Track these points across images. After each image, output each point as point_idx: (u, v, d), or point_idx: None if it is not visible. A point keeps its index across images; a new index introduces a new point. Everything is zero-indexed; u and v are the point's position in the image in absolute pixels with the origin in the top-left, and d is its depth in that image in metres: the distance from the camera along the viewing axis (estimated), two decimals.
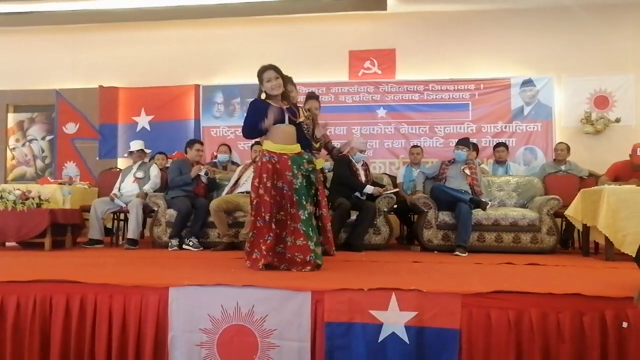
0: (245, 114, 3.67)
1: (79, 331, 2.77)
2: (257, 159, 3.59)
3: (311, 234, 3.48)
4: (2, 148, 8.31)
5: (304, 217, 3.48)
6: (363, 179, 5.82)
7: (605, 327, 2.47)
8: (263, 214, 3.51)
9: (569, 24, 7.33)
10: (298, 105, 3.91)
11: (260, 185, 3.53)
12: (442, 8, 7.50)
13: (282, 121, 3.57)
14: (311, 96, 5.00)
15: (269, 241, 3.49)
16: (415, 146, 6.89)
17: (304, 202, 3.51)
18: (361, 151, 5.90)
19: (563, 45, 7.34)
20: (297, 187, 3.51)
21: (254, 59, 7.68)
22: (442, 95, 7.53)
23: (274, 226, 3.50)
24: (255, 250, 3.58)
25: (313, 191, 3.71)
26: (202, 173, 5.94)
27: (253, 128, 3.61)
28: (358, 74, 7.76)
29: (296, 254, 3.46)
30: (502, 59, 7.47)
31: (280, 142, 3.57)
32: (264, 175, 3.51)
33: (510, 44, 7.47)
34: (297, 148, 3.63)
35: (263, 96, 3.61)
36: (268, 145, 3.58)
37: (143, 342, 2.73)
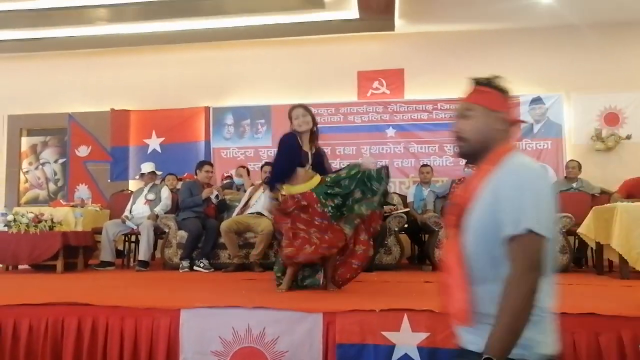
0: (277, 153, 3.79)
1: (90, 353, 2.77)
2: (281, 203, 3.68)
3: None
4: (16, 171, 8.40)
5: (348, 230, 3.59)
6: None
7: (622, 348, 2.43)
8: (305, 227, 3.55)
9: (577, 42, 7.34)
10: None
11: (287, 220, 3.61)
12: (450, 28, 7.55)
13: (304, 165, 3.67)
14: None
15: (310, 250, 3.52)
16: (425, 165, 6.88)
17: (347, 220, 3.59)
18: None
19: (571, 62, 7.34)
20: (331, 214, 3.54)
21: (264, 80, 7.92)
22: (451, 114, 7.51)
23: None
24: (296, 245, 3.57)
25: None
26: (212, 196, 5.97)
27: (287, 171, 3.68)
28: (367, 94, 7.80)
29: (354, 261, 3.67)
30: (510, 77, 7.25)
31: (301, 183, 3.64)
32: (292, 207, 3.57)
33: (518, 63, 7.47)
34: (315, 181, 3.67)
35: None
36: (289, 189, 3.64)
37: None
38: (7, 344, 2.81)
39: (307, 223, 3.54)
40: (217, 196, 6.00)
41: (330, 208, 3.54)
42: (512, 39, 7.50)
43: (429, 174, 6.73)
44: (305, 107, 3.73)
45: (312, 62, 7.73)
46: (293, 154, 3.65)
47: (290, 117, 3.73)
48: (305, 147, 3.70)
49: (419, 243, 6.63)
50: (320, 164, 3.78)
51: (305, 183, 3.65)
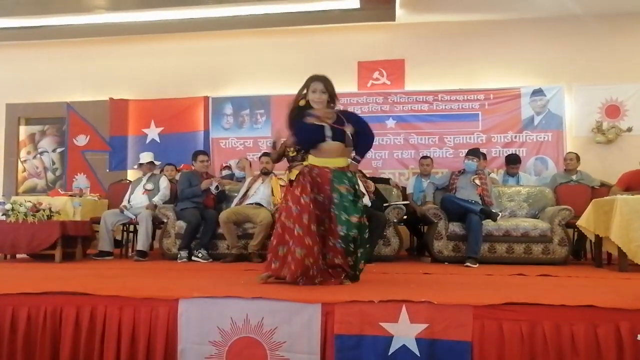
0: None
1: (88, 343, 2.77)
2: (299, 175, 3.44)
3: (351, 249, 3.40)
4: (14, 160, 8.38)
5: (343, 233, 3.35)
6: (363, 189, 5.81)
7: (620, 340, 2.43)
8: (306, 222, 3.31)
9: (579, 33, 7.31)
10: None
11: (303, 195, 3.36)
12: (451, 18, 7.51)
13: (323, 139, 3.42)
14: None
15: (300, 255, 3.27)
16: (425, 157, 6.87)
17: (344, 218, 3.35)
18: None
19: (573, 54, 7.31)
20: (336, 202, 3.37)
21: (263, 70, 7.89)
22: (451, 106, 7.51)
23: (318, 239, 3.35)
24: (280, 259, 3.42)
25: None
26: (212, 187, 5.96)
27: (308, 141, 3.49)
28: (367, 84, 7.77)
29: (332, 270, 3.42)
30: (511, 69, 7.45)
31: (323, 156, 3.43)
32: (308, 185, 3.37)
33: (519, 54, 7.45)
34: (340, 162, 3.45)
35: (302, 103, 3.47)
36: (311, 159, 3.47)
37: (152, 355, 2.71)
38: (5, 333, 2.81)
39: (297, 217, 3.32)
40: (216, 187, 6.00)
41: (338, 195, 3.37)
42: (513, 29, 7.47)
43: (429, 166, 6.73)
44: (325, 82, 3.44)
45: (312, 52, 7.69)
46: (304, 129, 3.43)
47: (307, 86, 3.46)
48: (322, 119, 3.43)
49: (418, 234, 6.63)
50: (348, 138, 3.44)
51: (328, 158, 3.42)
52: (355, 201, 3.41)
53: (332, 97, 3.49)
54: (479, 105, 7.46)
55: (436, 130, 7.51)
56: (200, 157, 6.20)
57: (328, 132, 3.42)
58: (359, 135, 3.53)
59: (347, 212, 3.36)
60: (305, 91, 3.48)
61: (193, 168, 6.26)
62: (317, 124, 3.43)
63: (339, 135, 3.44)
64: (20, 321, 2.82)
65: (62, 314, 2.82)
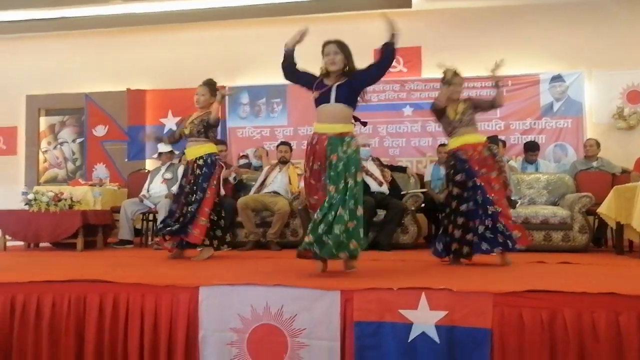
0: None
1: (112, 330, 2.82)
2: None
3: (317, 225, 3.15)
4: (35, 151, 8.50)
5: (325, 205, 3.18)
6: (378, 175, 5.81)
7: None
8: (308, 197, 3.40)
9: (599, 17, 7.16)
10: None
11: (306, 169, 3.39)
12: (468, 4, 7.41)
13: (327, 101, 3.34)
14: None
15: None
16: (443, 144, 6.81)
17: (331, 187, 3.21)
18: (363, 146, 5.93)
19: (593, 39, 7.17)
20: (338, 170, 3.22)
21: (279, 59, 7.79)
22: (469, 93, 7.39)
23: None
24: None
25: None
26: (231, 178, 6.01)
27: (288, 71, 3.55)
28: None
29: None
30: (530, 55, 7.33)
31: (322, 121, 3.37)
32: (310, 158, 3.34)
33: (538, 39, 7.33)
34: (339, 128, 3.32)
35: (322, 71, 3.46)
36: (314, 126, 3.42)
37: (174, 341, 2.76)
38: (30, 320, 2.88)
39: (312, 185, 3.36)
40: (234, 177, 6.04)
41: (333, 164, 3.23)
42: (531, 14, 7.34)
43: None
44: (337, 42, 3.42)
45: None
46: (305, 81, 3.47)
47: (322, 53, 3.48)
48: (330, 80, 3.38)
49: (436, 222, 6.60)
50: (348, 95, 3.39)
51: (327, 124, 3.34)
52: (341, 172, 3.22)
53: (348, 57, 3.43)
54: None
55: None
56: (219, 147, 6.21)
57: (332, 93, 3.35)
58: (364, 74, 3.49)
59: (331, 181, 3.22)
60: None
61: None
62: (325, 83, 3.37)
63: (341, 96, 3.35)
64: (45, 309, 2.88)
65: (86, 301, 2.87)
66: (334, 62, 3.37)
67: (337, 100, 3.33)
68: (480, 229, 3.87)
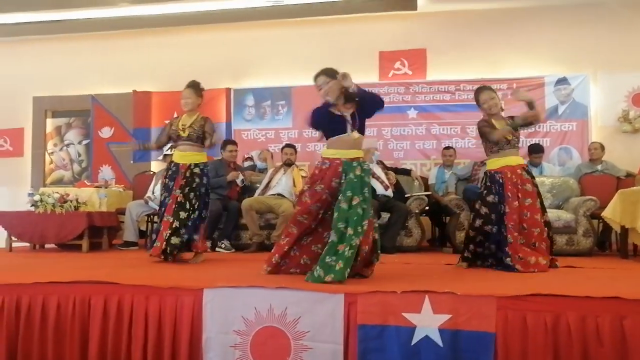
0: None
1: (116, 331, 2.84)
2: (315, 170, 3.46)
3: (334, 249, 3.12)
4: (41, 152, 8.54)
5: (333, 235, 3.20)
6: (384, 179, 5.83)
7: None
8: (298, 217, 3.38)
9: (605, 20, 7.14)
10: None
11: (308, 187, 3.41)
12: (473, 6, 7.41)
13: (342, 131, 3.33)
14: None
15: (285, 247, 3.41)
16: (448, 148, 6.82)
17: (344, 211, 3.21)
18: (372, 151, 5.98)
19: (598, 41, 7.15)
20: (346, 195, 3.23)
21: (285, 61, 7.90)
22: (473, 96, 7.42)
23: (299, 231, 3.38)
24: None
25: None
26: (238, 180, 6.02)
27: (329, 130, 3.42)
28: (388, 74, 7.72)
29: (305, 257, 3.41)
30: (535, 57, 7.32)
31: (337, 148, 3.35)
32: (317, 180, 3.36)
33: (543, 42, 7.32)
34: (353, 154, 3.34)
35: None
36: (325, 152, 3.41)
37: (178, 343, 2.77)
38: (36, 321, 2.90)
39: (309, 211, 3.33)
40: (242, 180, 6.05)
41: (345, 187, 3.23)
42: (536, 17, 7.33)
43: (452, 156, 6.68)
44: (325, 72, 3.37)
45: (333, 42, 7.66)
46: (322, 124, 3.41)
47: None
48: (342, 109, 3.35)
49: (440, 225, 6.60)
50: (361, 123, 3.40)
51: (342, 150, 3.32)
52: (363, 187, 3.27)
53: (339, 80, 3.30)
54: (501, 94, 7.31)
55: (458, 120, 7.43)
56: (229, 147, 6.27)
57: (348, 122, 3.34)
58: (372, 103, 3.44)
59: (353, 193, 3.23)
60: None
61: (222, 157, 6.32)
62: (337, 114, 3.36)
63: (357, 125, 3.36)
64: (50, 310, 2.91)
65: (91, 303, 2.89)
66: (328, 93, 3.34)
67: (352, 130, 3.35)
68: (493, 248, 3.94)
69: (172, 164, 4.52)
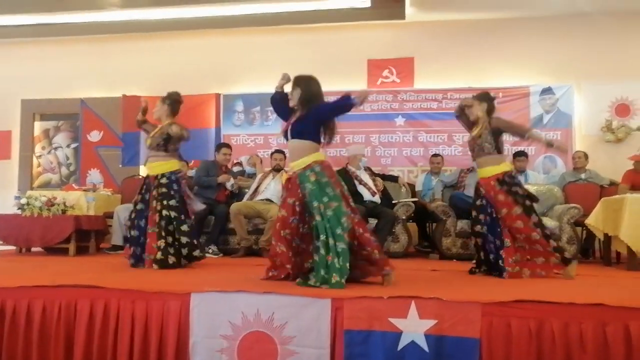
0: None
1: (101, 336, 2.83)
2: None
3: (325, 261, 3.13)
4: (29, 155, 8.48)
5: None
6: (371, 185, 5.87)
7: (629, 338, 2.44)
8: (282, 234, 3.36)
9: (589, 31, 7.26)
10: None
11: (281, 205, 3.49)
12: (461, 16, 7.50)
13: (286, 137, 3.45)
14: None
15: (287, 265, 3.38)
16: (435, 155, 6.88)
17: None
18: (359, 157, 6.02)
19: (583, 52, 7.27)
20: (313, 205, 3.24)
21: (274, 68, 7.76)
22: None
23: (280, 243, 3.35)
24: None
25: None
26: (228, 185, 6.01)
27: (273, 101, 3.69)
28: (377, 82, 7.78)
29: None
30: (521, 67, 7.42)
31: (289, 158, 3.44)
32: (285, 192, 3.46)
33: (529, 52, 7.42)
34: (303, 163, 3.32)
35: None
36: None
37: (164, 347, 2.77)
38: (20, 325, 2.88)
39: (284, 219, 3.36)
40: (232, 185, 6.04)
41: (309, 199, 3.25)
42: (523, 27, 7.43)
43: (439, 164, 6.74)
44: (297, 79, 3.47)
45: (322, 50, 7.71)
46: (280, 107, 3.60)
47: None
48: (293, 117, 3.44)
49: (424, 234, 6.61)
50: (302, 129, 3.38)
51: (291, 161, 3.40)
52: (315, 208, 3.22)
53: (306, 89, 3.43)
54: None
55: (445, 128, 7.50)
56: (224, 150, 6.31)
57: (289, 131, 3.41)
58: (319, 108, 3.43)
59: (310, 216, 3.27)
60: None
61: (215, 159, 6.35)
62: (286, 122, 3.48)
63: (294, 132, 3.38)
64: (35, 314, 2.88)
65: (77, 307, 2.88)
66: (290, 98, 3.42)
67: (292, 137, 3.39)
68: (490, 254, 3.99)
69: (146, 176, 4.55)
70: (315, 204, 3.21)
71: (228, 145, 6.51)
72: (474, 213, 4.11)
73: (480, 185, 4.07)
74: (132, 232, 4.42)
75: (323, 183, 3.26)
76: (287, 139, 3.44)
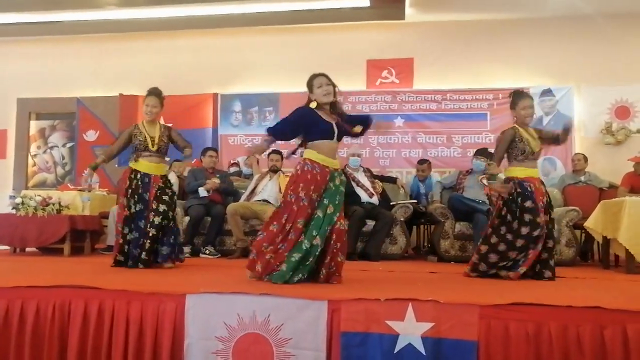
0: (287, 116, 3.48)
1: (96, 337, 2.79)
2: (297, 168, 3.42)
3: (297, 255, 3.23)
4: (24, 155, 8.45)
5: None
6: (369, 187, 5.84)
7: (627, 342, 2.42)
8: (283, 221, 3.34)
9: (589, 33, 7.26)
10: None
11: (292, 193, 3.36)
12: (461, 17, 7.49)
13: (330, 137, 3.40)
14: None
15: (269, 250, 3.34)
16: (421, 162, 6.83)
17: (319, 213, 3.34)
18: (353, 155, 5.97)
19: (583, 54, 7.27)
20: (324, 203, 3.34)
21: (272, 68, 7.90)
22: (459, 105, 7.49)
23: (291, 236, 3.31)
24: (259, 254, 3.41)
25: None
26: (200, 190, 5.92)
27: (285, 130, 3.44)
28: (376, 83, 7.77)
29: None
30: (521, 69, 7.41)
31: (325, 155, 3.38)
32: (301, 185, 3.33)
33: (529, 54, 7.41)
34: (337, 164, 3.45)
35: (313, 105, 3.40)
36: (312, 154, 3.38)
37: (159, 349, 2.73)
38: (13, 325, 2.84)
39: (298, 212, 3.32)
40: (208, 191, 5.96)
41: (325, 195, 3.33)
42: (523, 29, 7.43)
43: (424, 171, 6.74)
44: (327, 76, 3.43)
45: (321, 50, 7.69)
46: (305, 118, 3.39)
47: (310, 86, 3.43)
48: (328, 118, 3.42)
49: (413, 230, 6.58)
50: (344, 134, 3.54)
51: (330, 158, 3.39)
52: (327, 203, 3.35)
53: (335, 88, 3.45)
54: (487, 105, 7.44)
55: (444, 129, 7.49)
56: (209, 153, 6.28)
57: (335, 130, 3.41)
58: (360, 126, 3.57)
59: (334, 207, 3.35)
60: (311, 93, 3.45)
61: (201, 164, 6.33)
62: (324, 119, 3.41)
63: (340, 136, 3.46)
64: (28, 314, 2.84)
65: (71, 308, 2.84)
66: (329, 92, 3.38)
67: (338, 139, 3.45)
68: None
69: (139, 174, 4.35)
70: (326, 202, 3.32)
71: (214, 149, 6.56)
72: (527, 217, 3.86)
73: (529, 183, 3.92)
74: (133, 234, 4.31)
75: (340, 191, 3.42)
76: (322, 137, 3.39)
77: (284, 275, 3.19)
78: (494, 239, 3.93)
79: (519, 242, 3.85)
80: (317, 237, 3.26)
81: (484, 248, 3.98)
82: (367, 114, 3.60)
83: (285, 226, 3.33)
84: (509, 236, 3.87)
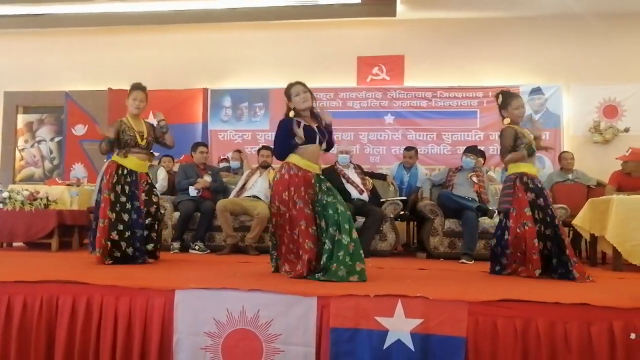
0: (275, 133, 3.60)
1: (84, 332, 2.78)
2: (281, 172, 3.52)
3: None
4: (11, 149, 8.36)
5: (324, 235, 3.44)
6: (359, 183, 5.85)
7: (613, 338, 2.45)
8: (303, 226, 3.42)
9: (579, 32, 7.31)
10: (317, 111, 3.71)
11: (297, 199, 3.45)
12: (452, 15, 7.50)
13: (313, 141, 3.53)
14: None
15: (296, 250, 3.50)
16: (408, 148, 6.80)
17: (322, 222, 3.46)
18: (342, 152, 5.96)
19: (572, 53, 7.32)
20: (323, 203, 3.47)
21: (263, 63, 7.88)
22: (450, 103, 7.51)
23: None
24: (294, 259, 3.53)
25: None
26: (193, 193, 5.87)
27: (284, 147, 3.54)
28: (366, 79, 7.77)
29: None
30: (511, 67, 7.45)
31: (308, 159, 3.52)
32: (292, 188, 3.45)
33: (519, 52, 7.45)
34: (318, 169, 3.60)
35: (292, 114, 3.55)
36: (295, 159, 3.50)
37: (148, 344, 2.72)
38: (0, 321, 2.81)
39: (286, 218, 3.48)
40: (198, 192, 5.91)
41: (320, 197, 3.48)
42: (513, 27, 7.47)
43: (412, 158, 6.69)
44: (303, 84, 3.60)
45: (312, 46, 7.68)
46: (287, 136, 3.49)
47: (288, 95, 3.59)
48: (305, 120, 3.56)
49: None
50: (328, 140, 3.66)
51: (312, 163, 3.54)
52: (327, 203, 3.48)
53: (312, 94, 3.61)
54: (477, 102, 7.47)
55: (434, 126, 7.51)
56: (200, 149, 6.23)
57: (317, 134, 3.55)
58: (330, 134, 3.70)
59: (321, 215, 3.47)
60: (289, 101, 3.58)
61: (192, 159, 6.29)
62: (306, 124, 3.54)
63: (323, 139, 3.60)
64: (15, 309, 2.82)
65: (59, 303, 2.82)
66: (306, 100, 3.55)
67: (320, 142, 3.58)
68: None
69: (126, 170, 4.24)
70: (328, 199, 3.46)
71: (204, 144, 6.51)
72: (540, 214, 3.88)
73: (537, 180, 3.98)
74: (131, 230, 4.20)
75: (332, 187, 3.61)
76: (306, 142, 3.50)
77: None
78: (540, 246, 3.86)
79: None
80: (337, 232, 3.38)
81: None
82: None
83: (293, 233, 3.47)
84: (548, 231, 3.86)
